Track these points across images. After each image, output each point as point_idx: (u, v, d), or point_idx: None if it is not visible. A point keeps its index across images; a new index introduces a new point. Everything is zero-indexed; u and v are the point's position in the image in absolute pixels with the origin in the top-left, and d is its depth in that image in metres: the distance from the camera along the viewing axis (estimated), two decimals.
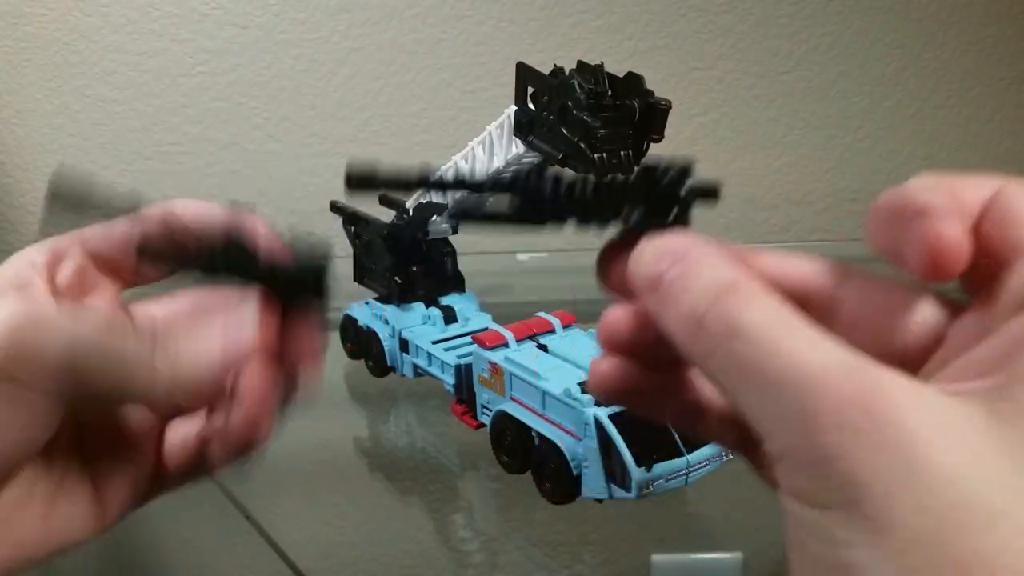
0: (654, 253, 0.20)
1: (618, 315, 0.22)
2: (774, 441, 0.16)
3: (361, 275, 0.70)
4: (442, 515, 0.55)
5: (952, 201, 0.18)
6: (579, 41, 0.92)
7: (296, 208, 0.94)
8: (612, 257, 0.22)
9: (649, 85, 0.46)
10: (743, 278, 0.18)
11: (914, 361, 0.18)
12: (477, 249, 0.72)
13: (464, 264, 0.69)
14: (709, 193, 0.22)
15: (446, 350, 0.61)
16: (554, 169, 0.22)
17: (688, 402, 0.23)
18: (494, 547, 0.52)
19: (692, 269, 0.19)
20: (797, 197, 1.02)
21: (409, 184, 0.25)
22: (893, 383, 0.15)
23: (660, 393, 0.23)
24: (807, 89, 0.98)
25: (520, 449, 0.53)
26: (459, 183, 0.26)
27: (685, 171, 0.22)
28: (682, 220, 0.22)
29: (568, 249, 1.00)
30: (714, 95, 0.97)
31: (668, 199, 0.22)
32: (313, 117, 0.93)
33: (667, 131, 0.46)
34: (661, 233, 0.20)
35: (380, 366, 0.67)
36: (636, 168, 0.22)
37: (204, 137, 0.92)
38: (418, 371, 0.64)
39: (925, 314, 0.19)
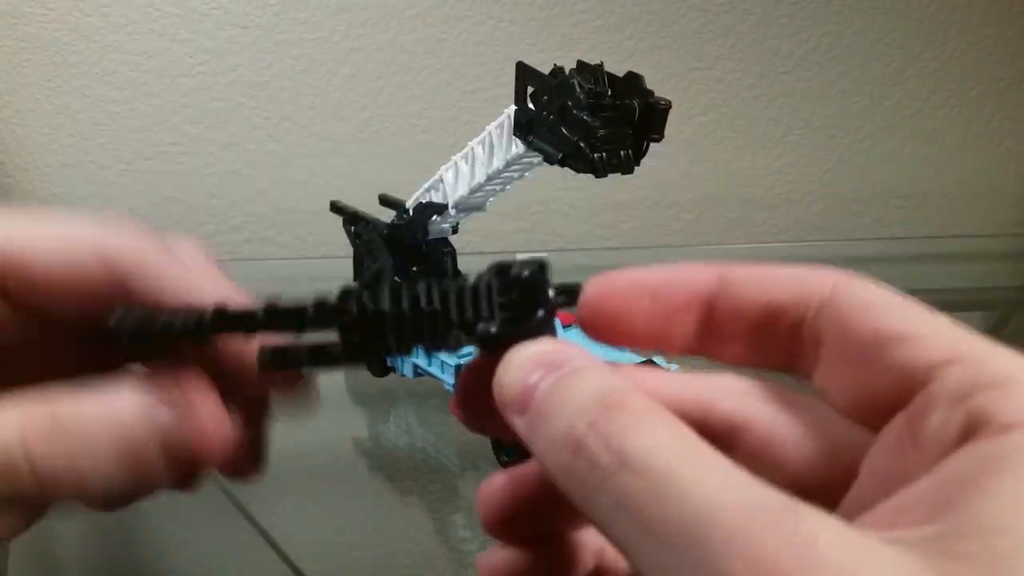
0: (523, 363, 0.17)
1: (493, 484, 0.20)
2: None
3: (361, 275, 0.70)
4: (442, 515, 0.55)
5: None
6: (579, 41, 0.92)
7: (296, 208, 0.94)
8: (470, 385, 0.19)
9: (649, 85, 0.46)
10: (633, 392, 0.15)
11: (826, 499, 0.15)
12: (477, 249, 0.72)
13: (464, 264, 0.69)
14: (572, 293, 0.19)
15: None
16: (386, 283, 0.19)
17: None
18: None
19: (569, 381, 0.16)
20: (797, 197, 1.02)
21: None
22: (830, 533, 0.12)
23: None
24: (807, 89, 0.98)
25: (520, 449, 0.53)
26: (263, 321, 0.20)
27: (542, 268, 0.19)
28: (546, 329, 0.18)
29: (568, 249, 1.00)
30: (714, 95, 0.97)
31: (527, 304, 0.19)
32: (313, 117, 0.93)
33: (667, 131, 0.46)
34: (528, 343, 0.17)
35: (380, 366, 0.67)
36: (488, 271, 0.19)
37: (204, 137, 0.92)
38: (418, 371, 0.64)
39: (839, 443, 0.17)
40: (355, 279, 0.71)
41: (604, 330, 0.19)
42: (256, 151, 0.93)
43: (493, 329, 0.18)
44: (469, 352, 0.63)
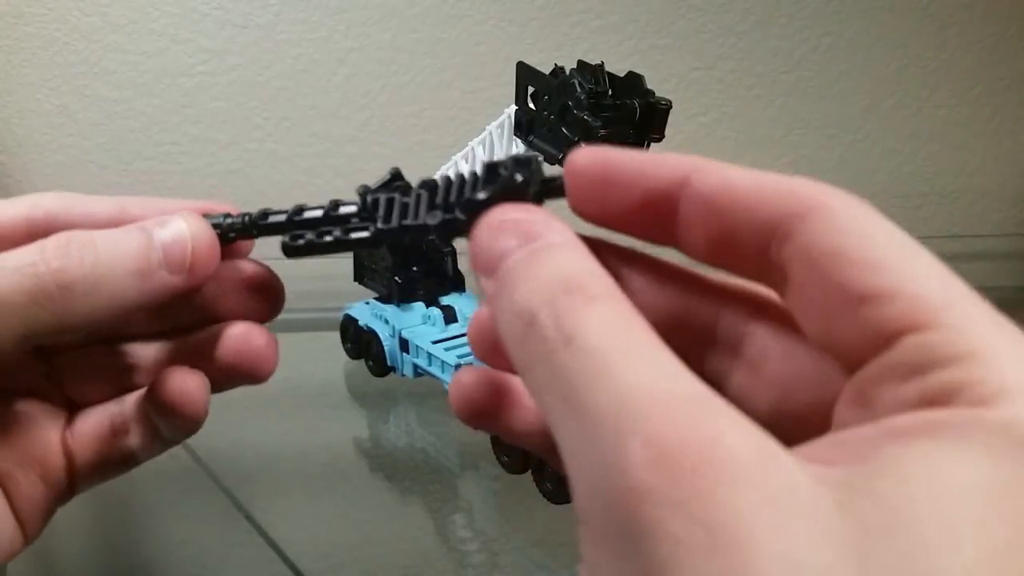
0: (500, 225, 0.17)
1: (483, 313, 0.20)
2: (577, 493, 0.13)
3: (361, 275, 0.70)
4: (442, 515, 0.55)
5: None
6: (579, 41, 0.92)
7: None
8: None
9: (650, 85, 0.46)
10: (598, 275, 0.15)
11: (806, 431, 0.15)
12: None
13: (464, 264, 0.69)
14: (556, 185, 0.19)
15: (446, 350, 0.61)
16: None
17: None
18: (494, 547, 0.52)
19: (540, 257, 0.16)
20: None
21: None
22: (740, 434, 0.12)
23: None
24: (807, 89, 0.98)
25: (520, 449, 0.53)
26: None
27: (527, 162, 0.19)
28: (529, 198, 0.19)
29: None
30: (715, 95, 0.97)
31: (514, 173, 0.19)
32: (313, 117, 0.92)
33: (667, 131, 0.46)
34: (511, 205, 0.18)
35: (380, 366, 0.67)
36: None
37: (204, 137, 0.92)
38: (418, 371, 0.64)
39: (826, 377, 0.16)
40: (355, 279, 0.71)
41: (591, 206, 0.18)
42: (256, 151, 0.93)
43: (481, 195, 0.19)
44: (469, 352, 0.63)
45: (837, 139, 1.00)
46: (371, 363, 0.68)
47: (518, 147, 0.51)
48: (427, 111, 0.93)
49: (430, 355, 0.62)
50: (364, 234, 0.21)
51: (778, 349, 0.17)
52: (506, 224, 0.17)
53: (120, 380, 0.25)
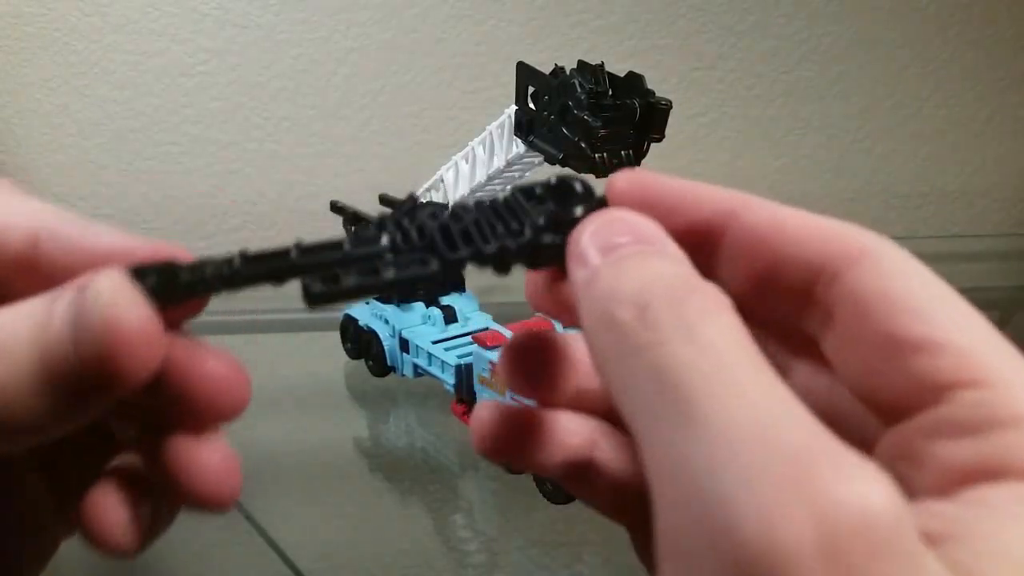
0: (615, 223, 0.16)
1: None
2: (666, 510, 0.12)
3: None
4: (442, 515, 0.55)
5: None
6: (579, 41, 0.92)
7: (296, 208, 0.94)
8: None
9: (650, 85, 0.46)
10: (716, 290, 0.14)
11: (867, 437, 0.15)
12: None
13: None
14: (600, 199, 0.18)
15: (446, 350, 0.61)
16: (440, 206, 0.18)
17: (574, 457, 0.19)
18: (494, 547, 0.52)
19: (660, 253, 0.15)
20: (797, 197, 1.01)
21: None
22: (886, 509, 0.11)
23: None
24: (807, 89, 0.98)
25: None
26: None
27: (564, 177, 0.18)
28: None
29: None
30: (714, 95, 0.97)
31: (566, 206, 0.18)
32: (313, 117, 0.92)
33: (667, 131, 0.46)
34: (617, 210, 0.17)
35: (380, 366, 0.67)
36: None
37: (204, 137, 0.92)
38: (418, 371, 0.64)
39: (870, 422, 0.15)
40: None
41: None
42: (256, 151, 0.93)
43: (541, 220, 0.17)
44: (469, 352, 0.63)
45: (837, 139, 1.00)
46: (371, 363, 0.68)
47: (518, 147, 0.51)
48: (427, 111, 0.93)
49: (430, 355, 0.61)
50: (431, 267, 0.17)
51: (817, 386, 0.17)
52: (624, 222, 0.16)
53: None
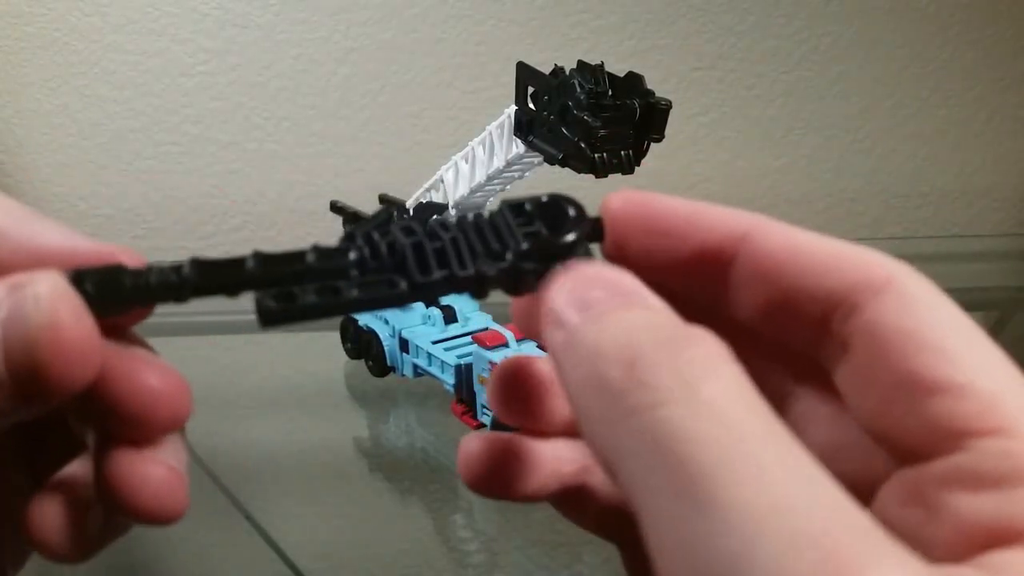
0: (589, 279, 0.15)
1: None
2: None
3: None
4: (442, 515, 0.55)
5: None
6: (579, 41, 0.92)
7: (296, 208, 0.94)
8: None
9: (649, 85, 0.45)
10: (711, 337, 0.13)
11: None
12: None
13: None
14: (594, 222, 0.17)
15: (446, 350, 0.61)
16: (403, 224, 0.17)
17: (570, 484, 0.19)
18: (494, 547, 0.52)
19: (643, 306, 0.14)
20: (797, 197, 1.02)
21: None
22: None
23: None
24: (807, 89, 0.98)
25: None
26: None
27: (558, 195, 0.17)
28: (582, 255, 0.16)
29: None
30: (714, 95, 0.97)
31: (555, 230, 0.17)
32: (313, 117, 0.92)
33: (667, 131, 0.46)
34: (591, 262, 0.16)
35: (380, 366, 0.67)
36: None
37: (204, 137, 0.92)
38: (418, 371, 0.64)
39: (877, 455, 0.15)
40: None
41: (632, 254, 0.17)
42: (256, 151, 0.93)
43: (525, 245, 0.16)
44: (469, 352, 0.63)
45: (837, 139, 1.00)
46: (371, 363, 0.68)
47: (518, 147, 0.51)
48: (427, 111, 0.93)
49: (430, 355, 0.61)
50: (399, 289, 0.16)
51: (824, 414, 0.16)
52: (599, 277, 0.14)
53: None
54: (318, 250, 0.16)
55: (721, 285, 0.16)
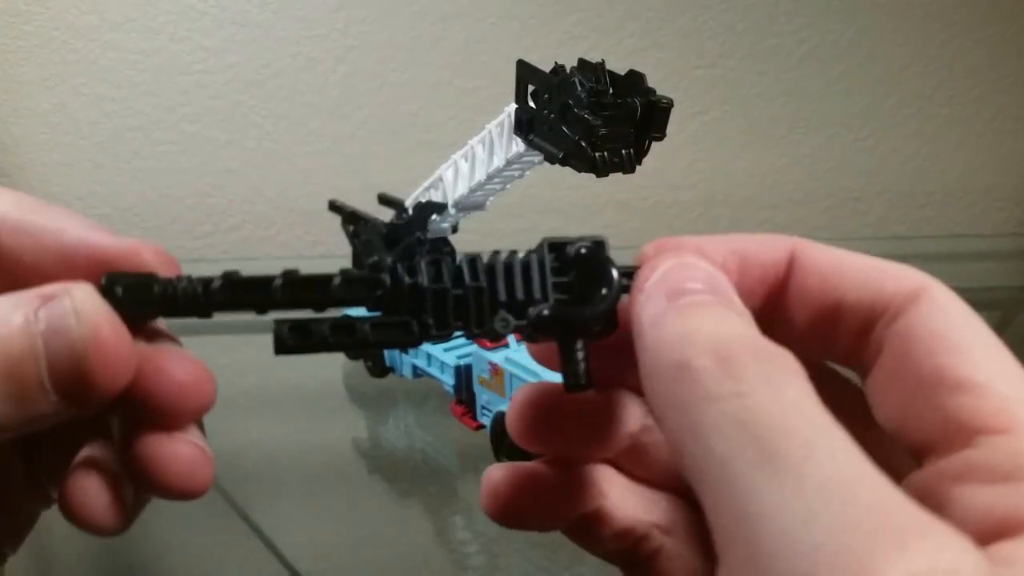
0: (688, 268, 0.16)
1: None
2: (742, 551, 0.12)
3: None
4: (442, 516, 0.55)
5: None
6: (580, 39, 0.92)
7: (294, 207, 0.94)
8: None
9: (651, 83, 0.45)
10: (792, 358, 0.14)
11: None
12: (477, 249, 0.71)
13: None
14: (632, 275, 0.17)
15: (446, 350, 0.61)
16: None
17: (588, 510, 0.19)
18: (494, 548, 0.51)
19: (732, 307, 0.15)
20: (799, 196, 1.01)
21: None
22: None
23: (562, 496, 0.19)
24: (809, 88, 0.98)
25: (520, 450, 0.52)
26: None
27: (601, 244, 0.17)
28: (611, 313, 0.17)
29: None
30: (716, 93, 0.96)
31: (589, 283, 0.17)
32: (311, 115, 0.92)
33: (668, 129, 0.46)
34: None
35: (379, 367, 0.66)
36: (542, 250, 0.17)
37: (202, 135, 0.92)
38: (417, 372, 0.64)
39: (893, 459, 0.15)
40: None
41: None
42: (254, 150, 0.93)
43: (546, 312, 0.16)
44: (469, 353, 0.62)
45: (839, 138, 1.00)
46: (370, 364, 0.68)
47: (518, 146, 0.51)
48: (426, 109, 0.93)
49: (429, 356, 0.61)
50: (412, 337, 0.17)
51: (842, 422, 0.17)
52: (698, 268, 0.16)
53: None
54: (345, 278, 0.17)
55: (779, 304, 0.18)
